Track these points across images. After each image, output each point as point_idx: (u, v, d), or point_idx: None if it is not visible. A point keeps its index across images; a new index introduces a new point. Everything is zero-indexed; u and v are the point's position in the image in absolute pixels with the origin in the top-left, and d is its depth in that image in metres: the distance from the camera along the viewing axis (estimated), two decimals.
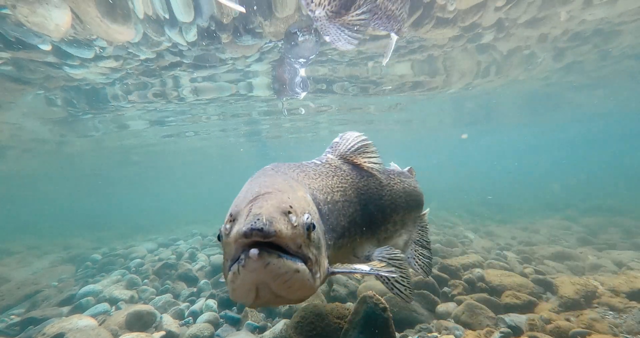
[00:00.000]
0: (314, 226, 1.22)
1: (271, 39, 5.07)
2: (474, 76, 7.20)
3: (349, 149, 2.19)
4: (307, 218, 1.20)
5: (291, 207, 1.16)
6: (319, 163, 2.10)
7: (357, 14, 2.50)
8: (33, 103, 7.11)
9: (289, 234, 1.07)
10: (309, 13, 2.58)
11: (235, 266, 1.04)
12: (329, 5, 2.39)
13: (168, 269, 6.29)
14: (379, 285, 4.70)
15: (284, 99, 8.61)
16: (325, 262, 1.35)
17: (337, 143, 2.23)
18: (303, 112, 11.24)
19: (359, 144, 2.20)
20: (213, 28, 4.69)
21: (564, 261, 6.01)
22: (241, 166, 25.45)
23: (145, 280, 6.00)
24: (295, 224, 1.12)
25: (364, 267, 1.47)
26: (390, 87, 8.18)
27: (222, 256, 1.26)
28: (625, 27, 6.11)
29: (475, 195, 19.97)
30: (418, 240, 2.53)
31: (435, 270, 4.83)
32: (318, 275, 1.21)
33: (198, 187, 51.65)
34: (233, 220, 1.11)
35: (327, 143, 2.34)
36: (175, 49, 5.18)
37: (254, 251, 0.99)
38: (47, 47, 4.58)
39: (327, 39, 2.64)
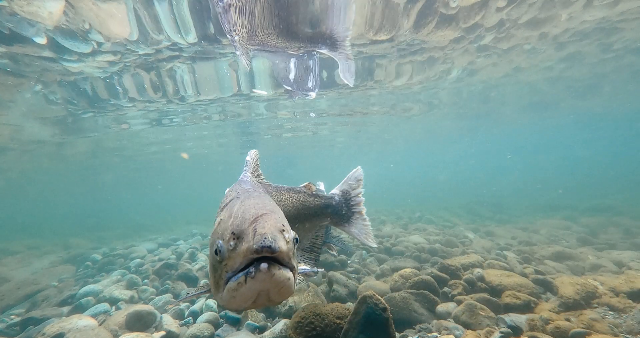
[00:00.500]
0: (297, 241, 1.45)
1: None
2: (476, 56, 7.18)
3: (254, 168, 2.54)
4: (294, 234, 1.41)
5: (283, 226, 1.37)
6: (248, 180, 2.37)
7: (252, 46, 4.10)
8: (32, 101, 7.09)
9: (285, 249, 1.26)
10: (229, 37, 3.97)
11: (241, 277, 1.23)
12: (241, 37, 3.89)
13: (168, 269, 6.30)
14: (379, 285, 4.71)
15: (296, 98, 8.64)
16: None
17: (249, 161, 2.57)
18: (313, 115, 11.22)
19: (257, 163, 2.57)
20: (213, 32, 4.72)
21: (564, 261, 6.01)
22: (240, 166, 25.44)
23: (145, 280, 6.00)
24: (288, 240, 1.32)
25: (305, 268, 1.91)
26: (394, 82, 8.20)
27: None
28: (627, 25, 6.11)
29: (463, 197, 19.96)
30: (307, 247, 2.76)
31: (435, 270, 4.83)
32: (297, 281, 1.45)
33: (198, 187, 51.68)
34: (237, 237, 1.30)
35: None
36: (174, 47, 5.19)
37: (264, 265, 1.20)
38: (42, 41, 4.57)
39: (237, 53, 4.35)
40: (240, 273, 1.23)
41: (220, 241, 1.34)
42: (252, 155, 2.61)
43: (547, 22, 5.61)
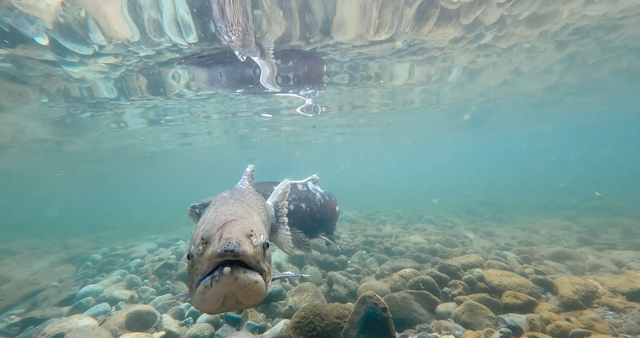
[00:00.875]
0: (267, 245, 1.52)
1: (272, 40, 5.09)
2: (476, 56, 7.20)
3: (249, 176, 2.85)
4: (263, 239, 1.49)
5: (252, 231, 1.43)
6: (244, 188, 2.60)
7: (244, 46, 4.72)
8: (37, 109, 7.22)
9: (251, 253, 1.32)
10: (226, 37, 4.45)
11: (208, 281, 1.27)
12: (237, 37, 4.30)
13: (168, 269, 6.30)
14: (379, 285, 4.71)
15: (318, 93, 8.64)
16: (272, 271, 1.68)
17: (247, 171, 2.94)
18: (320, 112, 11.18)
19: (251, 175, 2.90)
20: (213, 31, 4.73)
21: (564, 261, 6.01)
22: (236, 167, 25.54)
23: (145, 280, 6.00)
24: (255, 244, 1.38)
25: (289, 273, 2.00)
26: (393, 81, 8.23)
27: None
28: (628, 21, 6.10)
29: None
30: None
31: (435, 270, 4.84)
32: (269, 284, 1.53)
33: (198, 187, 51.69)
34: (205, 242, 1.35)
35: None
36: (175, 48, 5.18)
37: (227, 269, 1.25)
38: (44, 41, 4.58)
39: (236, 52, 4.95)
40: (208, 277, 1.28)
41: (192, 247, 1.41)
42: (249, 168, 2.99)
43: (547, 18, 5.60)
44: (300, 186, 4.25)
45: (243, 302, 1.35)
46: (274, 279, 1.78)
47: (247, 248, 1.31)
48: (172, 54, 5.45)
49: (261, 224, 1.77)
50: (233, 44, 4.30)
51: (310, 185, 4.40)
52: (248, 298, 1.35)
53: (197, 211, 3.53)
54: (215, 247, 1.29)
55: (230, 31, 4.09)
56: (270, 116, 9.10)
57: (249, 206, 2.06)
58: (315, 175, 4.57)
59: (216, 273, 1.26)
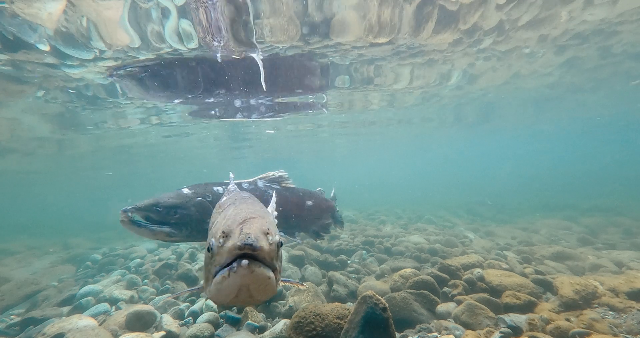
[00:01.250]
0: (281, 244, 1.59)
1: (272, 44, 5.09)
2: (475, 58, 7.22)
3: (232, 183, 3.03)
4: (278, 238, 1.56)
5: (269, 229, 1.52)
6: (237, 190, 2.76)
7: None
8: (33, 104, 7.21)
9: (267, 249, 1.40)
10: (208, 41, 4.63)
11: (226, 271, 1.36)
12: (216, 41, 4.54)
13: (168, 269, 6.30)
14: (379, 285, 4.71)
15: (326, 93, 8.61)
16: None
17: (232, 177, 3.12)
18: (326, 112, 11.16)
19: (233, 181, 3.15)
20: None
21: (564, 261, 6.01)
22: (235, 166, 25.57)
23: (145, 280, 6.00)
24: (271, 242, 1.45)
25: (293, 279, 2.13)
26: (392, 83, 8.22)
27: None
28: (625, 27, 6.11)
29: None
30: None
31: (435, 270, 4.84)
32: (279, 282, 1.61)
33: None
34: (226, 236, 1.45)
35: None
36: (175, 53, 5.19)
37: (245, 261, 1.33)
38: (45, 48, 4.60)
39: (217, 55, 5.17)
40: (226, 268, 1.37)
41: (213, 240, 1.50)
42: (232, 175, 3.19)
43: (546, 22, 5.60)
44: (246, 185, 4.14)
45: (255, 295, 1.43)
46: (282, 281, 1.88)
47: (264, 244, 1.39)
48: (173, 58, 5.45)
49: (274, 224, 1.87)
50: (213, 48, 4.30)
51: (260, 183, 4.25)
52: (260, 293, 1.43)
53: (130, 214, 3.16)
54: (235, 240, 1.38)
55: (213, 39, 4.14)
56: (273, 131, 9.04)
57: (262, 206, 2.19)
58: (273, 172, 4.41)
59: (234, 264, 1.35)
